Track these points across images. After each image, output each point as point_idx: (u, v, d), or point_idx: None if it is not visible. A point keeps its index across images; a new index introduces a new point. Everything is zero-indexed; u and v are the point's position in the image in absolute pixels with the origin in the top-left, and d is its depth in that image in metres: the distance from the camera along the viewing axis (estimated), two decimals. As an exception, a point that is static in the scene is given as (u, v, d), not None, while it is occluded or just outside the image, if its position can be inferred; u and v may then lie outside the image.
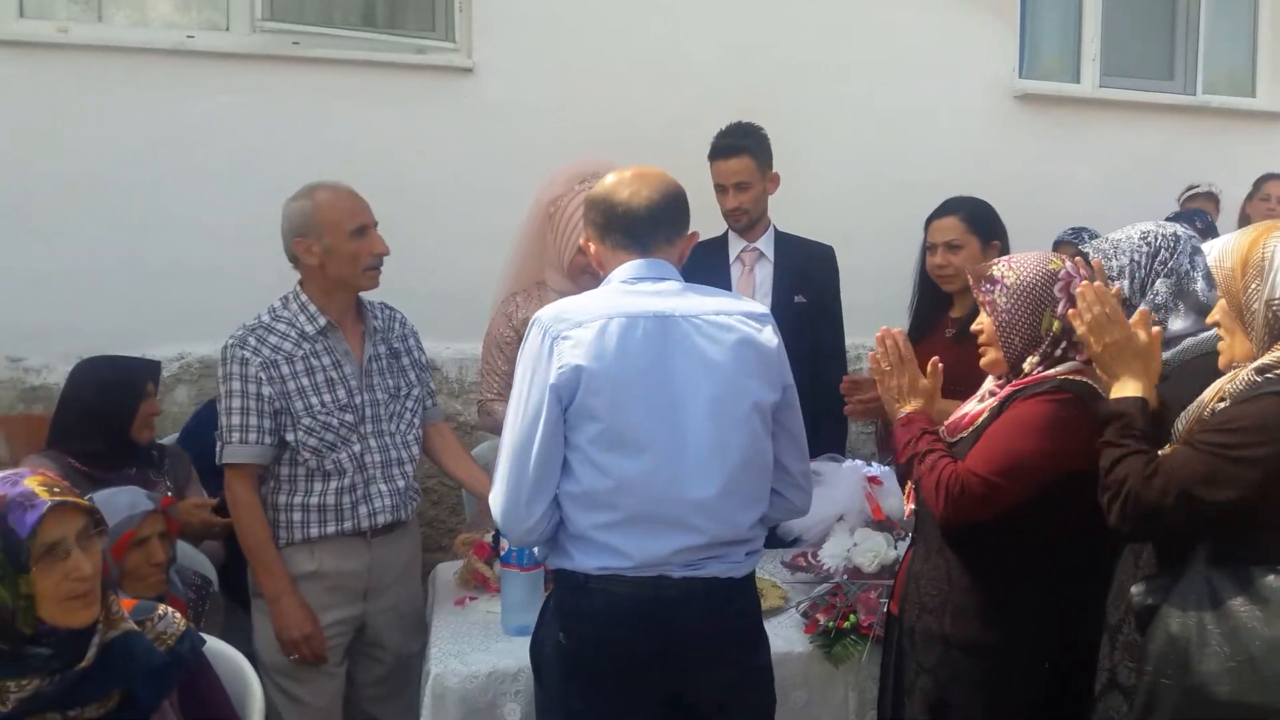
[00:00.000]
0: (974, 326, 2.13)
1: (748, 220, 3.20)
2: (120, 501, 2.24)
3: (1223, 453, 1.66)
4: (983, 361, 2.12)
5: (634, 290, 1.92)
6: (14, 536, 1.56)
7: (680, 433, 1.85)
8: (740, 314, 1.96)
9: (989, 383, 2.16)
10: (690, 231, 2.05)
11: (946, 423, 2.16)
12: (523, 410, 1.86)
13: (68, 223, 3.46)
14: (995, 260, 2.11)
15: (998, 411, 2.02)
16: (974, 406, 2.13)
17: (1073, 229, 4.14)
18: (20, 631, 1.58)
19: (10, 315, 3.42)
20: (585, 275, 2.83)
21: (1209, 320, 1.91)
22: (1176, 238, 2.22)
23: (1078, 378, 1.99)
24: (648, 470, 1.84)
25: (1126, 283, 2.26)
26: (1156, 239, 2.24)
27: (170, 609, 1.83)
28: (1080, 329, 1.89)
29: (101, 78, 3.50)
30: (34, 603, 1.58)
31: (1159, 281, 2.21)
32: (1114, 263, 2.28)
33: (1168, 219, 3.98)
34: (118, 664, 1.66)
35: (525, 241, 3.06)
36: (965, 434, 2.07)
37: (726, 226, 3.27)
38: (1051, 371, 2.00)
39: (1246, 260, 1.73)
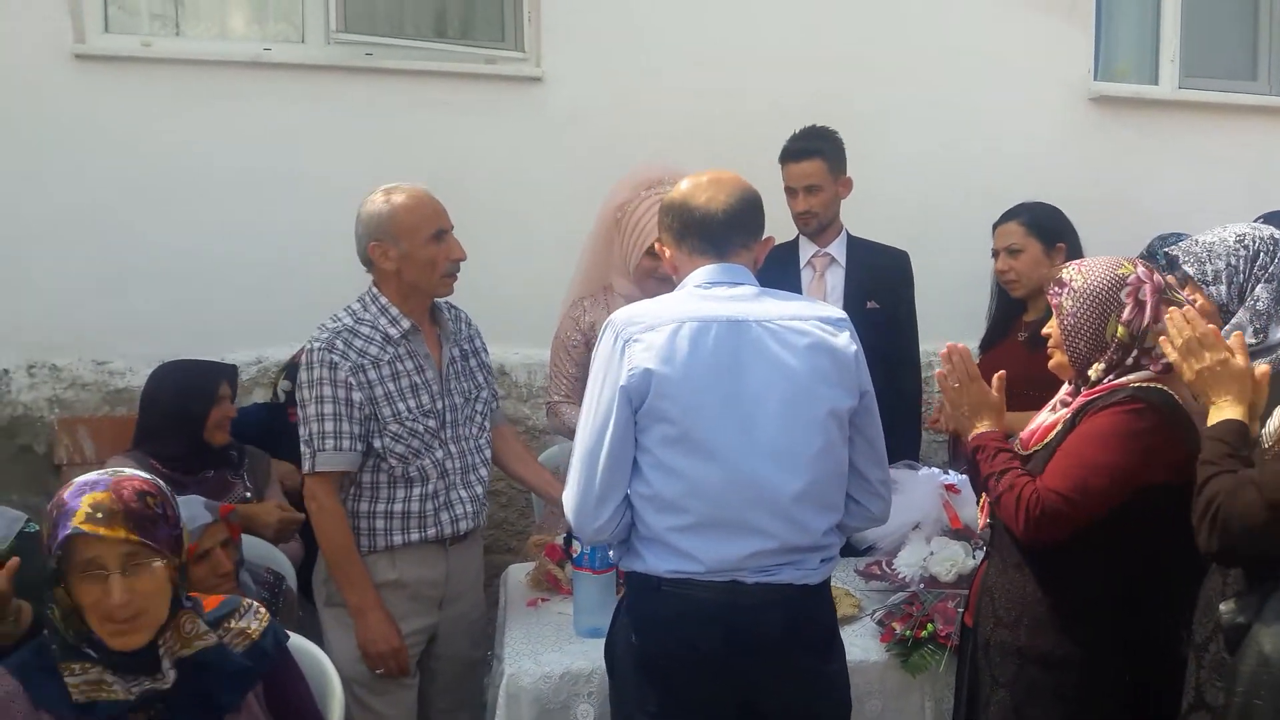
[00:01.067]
0: (1045, 330, 2.11)
1: (817, 224, 3.17)
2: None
3: None
4: (1050, 364, 2.09)
5: (709, 295, 1.92)
6: (52, 546, 1.60)
7: (752, 437, 1.84)
8: (816, 319, 1.95)
9: (1062, 391, 2.11)
10: (766, 236, 2.04)
11: (1021, 435, 2.12)
12: (594, 411, 1.87)
13: (151, 229, 3.55)
14: (1068, 264, 2.07)
15: (1071, 424, 1.98)
16: (1047, 417, 2.09)
17: (1160, 236, 4.03)
18: (81, 650, 1.62)
19: (95, 319, 3.53)
20: (650, 280, 2.83)
21: None
22: (1275, 240, 2.15)
23: (1154, 384, 1.94)
24: (718, 474, 1.84)
25: (1224, 288, 2.19)
26: (1255, 242, 2.16)
27: (252, 605, 1.85)
28: (1172, 355, 1.83)
29: (182, 89, 3.59)
30: (79, 613, 1.61)
31: (1259, 287, 2.13)
32: (1209, 267, 2.20)
33: (1257, 219, 3.87)
34: (197, 684, 1.69)
35: (593, 247, 3.08)
36: (1039, 447, 2.03)
37: (797, 233, 3.24)
38: (1124, 380, 1.95)
39: None
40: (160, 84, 3.58)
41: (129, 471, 1.73)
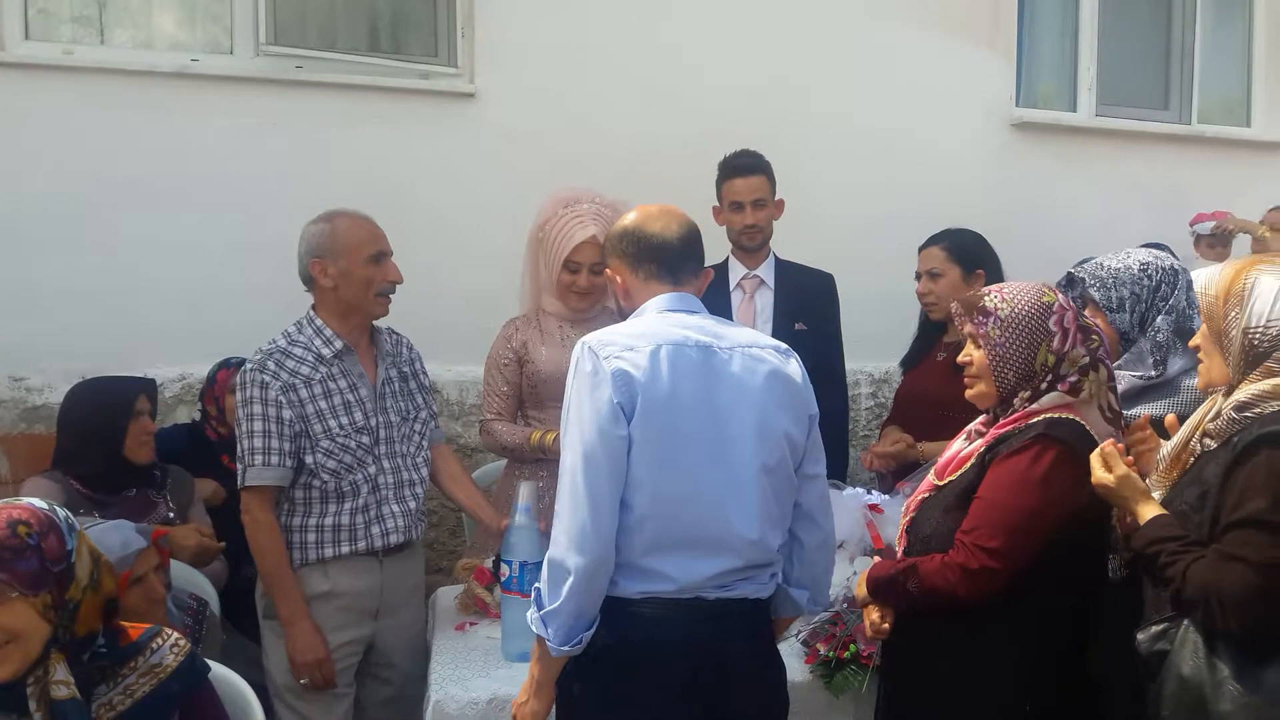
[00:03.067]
0: (961, 358, 2.09)
1: (761, 239, 3.25)
2: (112, 542, 2.14)
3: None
4: (969, 394, 2.07)
5: (673, 321, 1.96)
6: None
7: (724, 458, 1.89)
8: (770, 347, 2.01)
9: (978, 420, 2.12)
10: (706, 268, 2.11)
11: (936, 465, 2.13)
12: (584, 429, 1.84)
13: (70, 243, 3.47)
14: (986, 290, 2.06)
15: (982, 462, 1.98)
16: (962, 447, 2.09)
17: (1081, 262, 4.17)
18: None
19: (12, 335, 3.42)
20: (571, 294, 2.87)
21: (1191, 344, 1.97)
22: (1175, 272, 2.24)
23: (1064, 415, 1.95)
24: (693, 493, 1.87)
25: (1128, 316, 2.27)
26: (1157, 272, 2.25)
27: (171, 636, 1.81)
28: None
29: (105, 100, 3.52)
30: None
31: (1160, 319, 2.22)
32: (1114, 294, 2.29)
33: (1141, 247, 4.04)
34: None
35: (525, 270, 3.10)
36: (954, 478, 2.04)
37: (727, 254, 3.29)
38: (1036, 407, 1.96)
39: (1229, 290, 1.80)
40: (82, 94, 3.50)
41: (23, 500, 1.68)
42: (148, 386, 2.91)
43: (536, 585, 1.88)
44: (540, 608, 1.84)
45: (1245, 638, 1.67)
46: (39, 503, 1.70)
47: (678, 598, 1.87)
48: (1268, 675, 1.64)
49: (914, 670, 2.06)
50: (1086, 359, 1.97)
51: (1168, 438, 1.96)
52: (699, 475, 1.87)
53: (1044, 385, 1.97)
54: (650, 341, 1.88)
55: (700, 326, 1.95)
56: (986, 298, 2.03)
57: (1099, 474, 1.88)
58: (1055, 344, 1.96)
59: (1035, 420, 1.96)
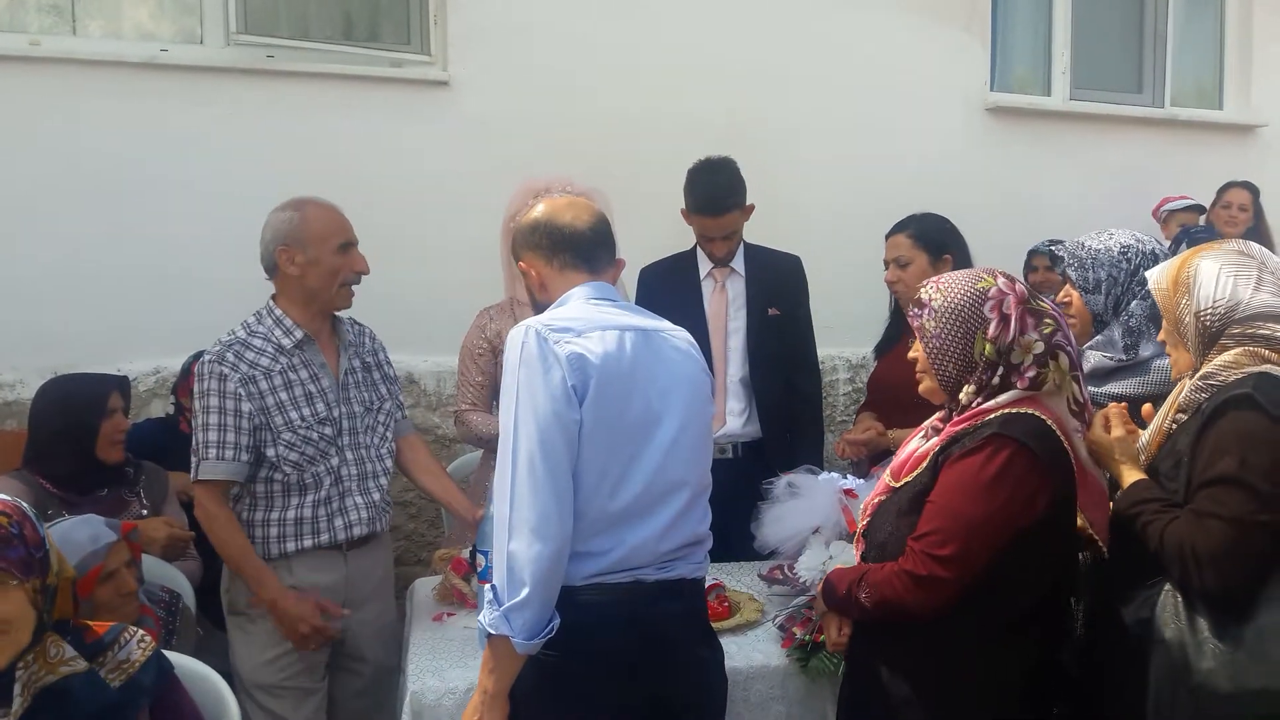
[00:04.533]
0: (910, 354, 2.01)
1: (732, 257, 3.23)
2: (80, 536, 2.16)
3: (1238, 477, 1.72)
4: (920, 389, 1.99)
5: (603, 308, 1.97)
6: None
7: (664, 441, 1.91)
8: (685, 339, 2.05)
9: (935, 416, 2.03)
10: (619, 259, 2.12)
11: (892, 465, 2.04)
12: (537, 413, 1.81)
13: (40, 236, 3.44)
14: (926, 282, 1.97)
15: (935, 464, 1.88)
16: (919, 445, 2.00)
17: (1049, 241, 4.20)
18: None
19: (-18, 331, 3.39)
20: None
21: (1159, 339, 2.02)
22: (1155, 257, 2.25)
23: (1021, 410, 1.84)
24: (636, 475, 1.88)
25: (1103, 298, 2.29)
26: (1136, 256, 2.26)
27: (136, 633, 1.81)
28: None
29: (75, 90, 3.48)
30: None
31: (1135, 304, 2.24)
32: (1090, 274, 2.30)
33: (1178, 237, 4.06)
34: (52, 712, 1.64)
35: (505, 257, 3.09)
36: (909, 479, 1.94)
37: (694, 243, 3.28)
38: (991, 404, 1.85)
39: (1176, 280, 1.89)
40: (50, 85, 3.46)
41: None
42: (121, 384, 2.88)
43: (491, 584, 1.82)
44: (499, 604, 1.77)
45: (1221, 593, 1.72)
46: (4, 495, 1.71)
47: (617, 581, 1.87)
48: (1246, 632, 1.70)
49: (867, 684, 1.98)
50: (1041, 345, 1.84)
51: (1143, 425, 1.99)
52: (642, 457, 1.88)
53: (995, 379, 1.85)
54: (594, 326, 1.90)
55: (626, 314, 1.98)
56: (924, 289, 1.94)
57: (1097, 431, 1.93)
58: (991, 332, 1.84)
59: (991, 418, 1.84)
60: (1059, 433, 1.85)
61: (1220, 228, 4.51)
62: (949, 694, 1.86)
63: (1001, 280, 1.90)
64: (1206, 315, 1.85)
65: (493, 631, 1.79)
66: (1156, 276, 1.94)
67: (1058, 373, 1.87)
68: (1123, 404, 1.99)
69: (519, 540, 1.77)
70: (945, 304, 1.89)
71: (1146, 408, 2.02)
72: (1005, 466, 1.79)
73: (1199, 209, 4.68)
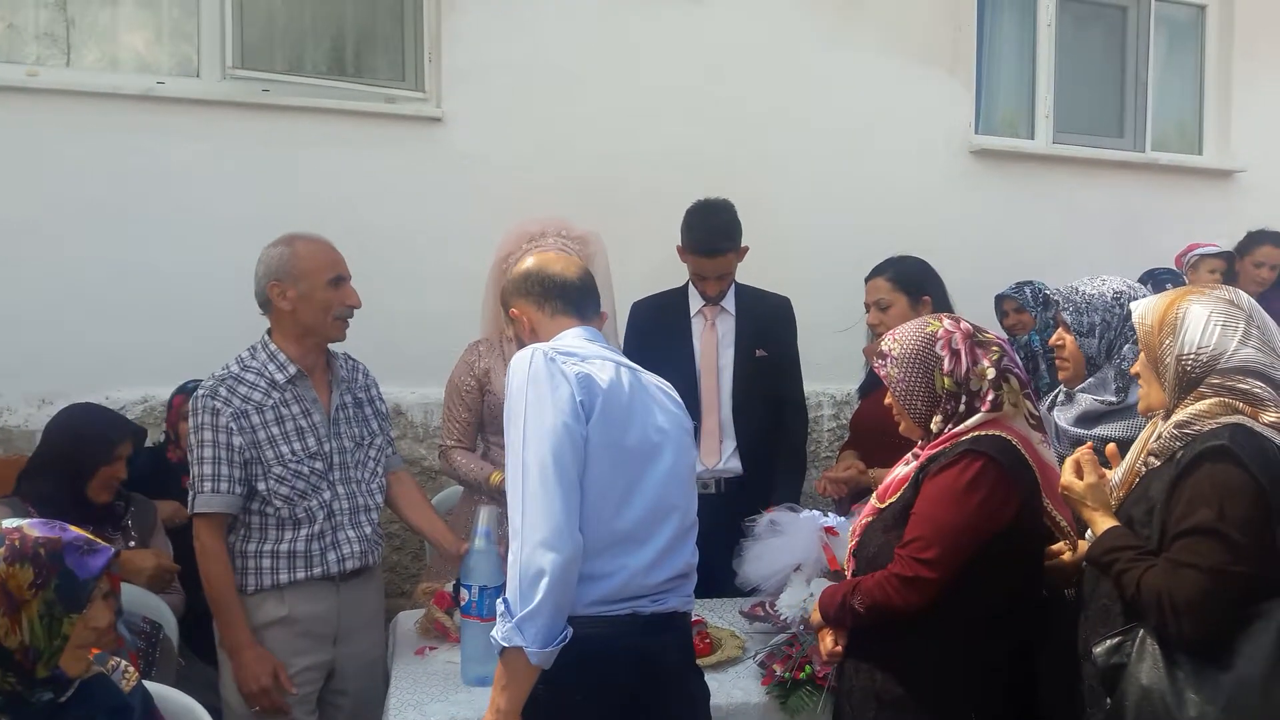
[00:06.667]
0: (886, 400, 2.21)
1: (724, 296, 3.28)
2: None
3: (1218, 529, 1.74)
4: (900, 430, 2.20)
5: (597, 346, 2.05)
6: (74, 578, 1.64)
7: (659, 472, 1.98)
8: (667, 386, 2.12)
9: (916, 446, 2.21)
10: (602, 312, 2.23)
11: (878, 490, 2.21)
12: (546, 426, 1.85)
13: (33, 266, 3.46)
14: (884, 335, 2.20)
15: (917, 481, 2.08)
16: (901, 470, 2.19)
17: (1016, 284, 4.26)
18: (34, 673, 1.63)
19: (-28, 356, 3.40)
20: None
21: (1132, 371, 2.06)
22: None
23: (988, 432, 2.04)
24: (631, 500, 1.93)
25: (1096, 342, 2.35)
26: (1129, 302, 2.30)
27: (124, 662, 1.84)
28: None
29: (71, 122, 3.52)
30: (65, 645, 1.64)
31: (1127, 347, 2.29)
32: (1085, 319, 2.36)
33: (1141, 278, 4.10)
34: (87, 700, 1.72)
35: (488, 297, 3.13)
36: (894, 500, 2.12)
37: (686, 280, 3.33)
38: (961, 428, 2.06)
39: (1163, 319, 1.90)
40: (47, 116, 3.50)
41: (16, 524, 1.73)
42: (137, 435, 2.90)
43: (503, 598, 1.83)
44: (512, 616, 1.79)
45: (1198, 642, 1.74)
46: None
47: (617, 614, 1.91)
48: (1224, 681, 1.71)
49: (859, 685, 2.12)
50: (993, 371, 2.06)
51: (1109, 466, 2.02)
52: (643, 481, 1.95)
53: (961, 407, 2.07)
54: (595, 356, 1.99)
55: (620, 357, 2.07)
56: (884, 341, 2.18)
57: (1068, 477, 1.97)
58: (947, 366, 2.07)
59: (963, 439, 2.06)
60: (1022, 449, 2.05)
61: (1244, 278, 4.51)
62: (940, 687, 2.02)
63: (947, 322, 2.14)
64: (1189, 360, 1.85)
65: (505, 645, 1.80)
66: (1141, 311, 1.94)
67: (1011, 393, 2.07)
68: (1089, 446, 2.02)
69: (531, 549, 1.80)
70: (903, 351, 2.12)
71: (1111, 448, 2.05)
72: (978, 476, 2.00)
73: (1229, 256, 4.65)
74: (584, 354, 1.98)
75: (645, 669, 1.94)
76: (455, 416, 3.04)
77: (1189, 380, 1.86)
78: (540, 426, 1.86)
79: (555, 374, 1.89)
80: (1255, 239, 4.67)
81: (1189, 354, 1.85)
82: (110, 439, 2.79)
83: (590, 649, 1.87)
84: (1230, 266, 4.62)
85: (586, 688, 1.89)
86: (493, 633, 1.85)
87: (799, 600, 2.57)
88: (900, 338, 2.14)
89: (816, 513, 2.75)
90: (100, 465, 2.76)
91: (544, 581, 1.77)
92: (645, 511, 1.95)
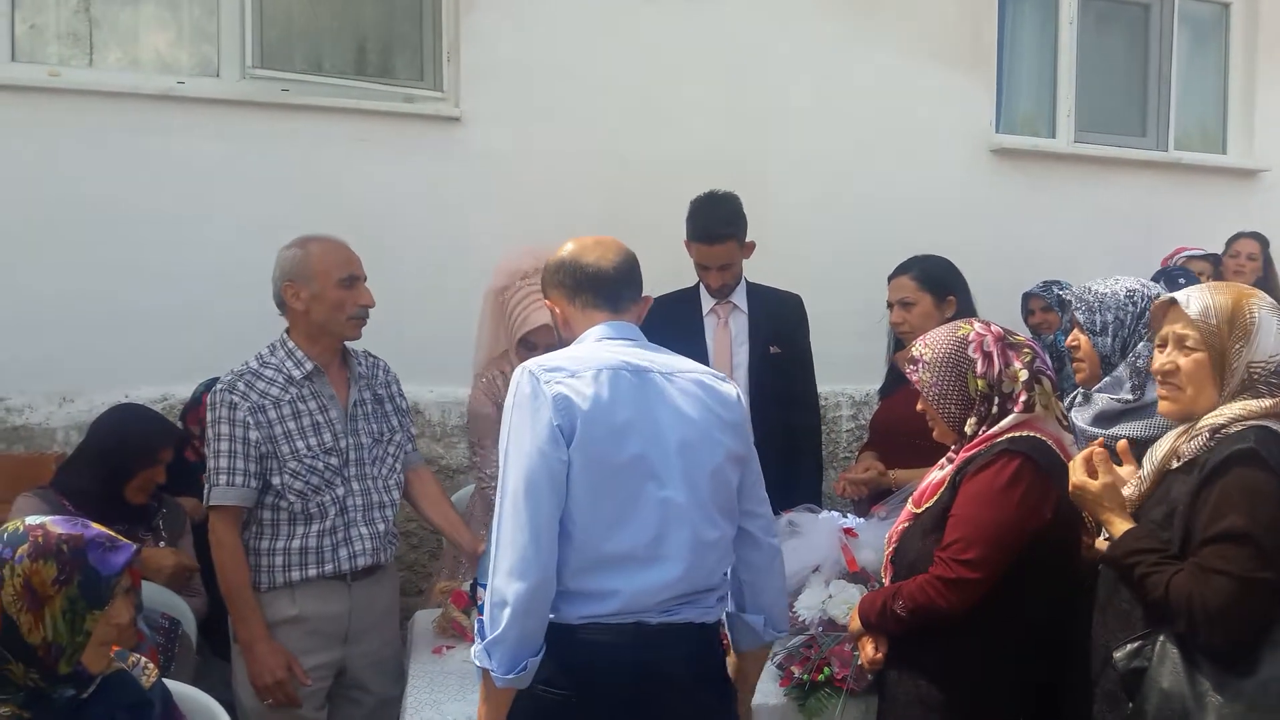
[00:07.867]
0: (919, 406, 2.21)
1: (729, 291, 3.26)
2: None
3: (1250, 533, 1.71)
4: (934, 435, 2.21)
5: (609, 347, 1.98)
6: (97, 575, 1.65)
7: (663, 481, 1.90)
8: (708, 372, 2.04)
9: (950, 450, 2.21)
10: (645, 295, 2.13)
11: (913, 495, 2.21)
12: (524, 453, 1.84)
13: (54, 264, 3.48)
14: (915, 342, 2.21)
15: (955, 482, 2.09)
16: (936, 474, 2.20)
17: (1043, 282, 4.23)
18: (56, 669, 1.63)
19: (-5, 355, 3.43)
20: (535, 354, 2.87)
21: (1153, 369, 1.98)
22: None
23: (1023, 433, 2.06)
24: (630, 517, 1.87)
25: (1110, 340, 2.32)
26: (1143, 300, 2.29)
27: (145, 659, 1.85)
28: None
29: (92, 121, 3.54)
30: (87, 642, 1.65)
31: (1142, 345, 2.26)
32: (1098, 317, 2.34)
33: (1154, 277, 4.08)
34: (108, 696, 1.73)
35: (486, 322, 3.15)
36: (931, 504, 2.14)
37: (698, 280, 3.32)
38: (995, 429, 2.08)
39: (1234, 320, 1.84)
40: (68, 116, 3.52)
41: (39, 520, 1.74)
42: (180, 440, 2.95)
43: (479, 618, 1.86)
44: (483, 638, 1.82)
45: (1227, 649, 1.72)
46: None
47: (620, 622, 1.87)
48: (1247, 685, 1.70)
49: (903, 692, 2.13)
50: (1025, 373, 2.08)
51: (1119, 462, 2.00)
52: (637, 498, 1.88)
53: (994, 409, 2.09)
54: (589, 366, 1.91)
55: (637, 353, 1.98)
56: (914, 347, 2.20)
57: (1080, 477, 1.93)
58: (980, 369, 2.09)
59: (999, 440, 2.07)
60: (1057, 450, 2.07)
61: (1228, 277, 4.52)
62: (986, 693, 2.04)
63: (978, 325, 2.16)
64: (1259, 368, 1.81)
65: (478, 664, 1.83)
66: (1202, 308, 1.86)
67: (1044, 395, 2.09)
68: (1100, 443, 2.00)
69: (499, 577, 1.81)
70: (935, 355, 2.14)
71: (1122, 444, 2.03)
72: (1016, 474, 2.01)
73: (1214, 259, 4.67)
74: (573, 367, 1.90)
75: (648, 678, 1.88)
76: (491, 459, 3.01)
77: (1248, 384, 1.82)
78: (519, 453, 1.85)
79: (538, 394, 1.86)
80: (1233, 238, 4.72)
81: (1260, 361, 1.82)
82: (152, 445, 2.83)
83: (587, 656, 1.86)
84: (1216, 269, 4.62)
85: (584, 694, 1.87)
86: (473, 649, 1.87)
87: (817, 601, 2.55)
88: (932, 342, 2.16)
89: (835, 514, 2.74)
90: (142, 468, 2.80)
91: (506, 611, 1.78)
92: (646, 530, 1.87)
